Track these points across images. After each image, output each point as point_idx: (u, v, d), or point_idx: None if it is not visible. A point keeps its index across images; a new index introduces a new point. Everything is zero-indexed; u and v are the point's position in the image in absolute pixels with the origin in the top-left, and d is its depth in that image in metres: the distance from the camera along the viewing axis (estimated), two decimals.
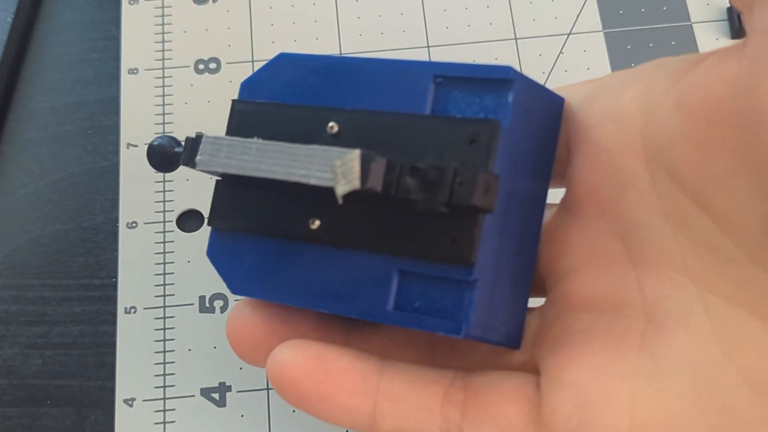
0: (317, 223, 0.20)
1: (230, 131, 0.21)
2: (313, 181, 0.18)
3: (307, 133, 0.20)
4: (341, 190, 0.18)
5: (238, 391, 0.28)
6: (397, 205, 0.19)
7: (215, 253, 0.21)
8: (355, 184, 0.18)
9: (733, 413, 0.17)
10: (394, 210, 0.19)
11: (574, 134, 0.20)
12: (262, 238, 0.21)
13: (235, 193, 0.21)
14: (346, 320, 0.21)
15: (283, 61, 0.21)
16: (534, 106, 0.19)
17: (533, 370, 0.20)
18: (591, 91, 0.20)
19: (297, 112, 0.20)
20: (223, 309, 0.29)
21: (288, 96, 0.21)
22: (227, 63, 0.32)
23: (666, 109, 0.18)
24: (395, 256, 0.19)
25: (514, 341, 0.20)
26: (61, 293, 0.29)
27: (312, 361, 0.19)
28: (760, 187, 0.16)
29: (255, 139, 0.19)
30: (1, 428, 0.27)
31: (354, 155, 0.18)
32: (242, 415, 0.27)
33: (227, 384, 0.28)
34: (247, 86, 0.22)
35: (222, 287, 0.29)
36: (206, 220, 0.21)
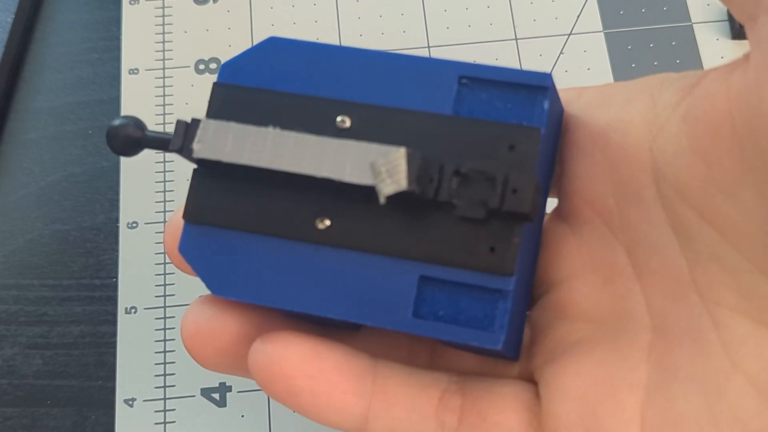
0: (327, 222, 0.18)
1: (211, 117, 0.19)
2: (348, 180, 0.17)
3: (310, 125, 0.18)
4: (387, 190, 0.17)
5: (238, 391, 0.28)
6: (425, 205, 0.18)
7: (190, 249, 0.19)
8: (402, 184, 0.17)
9: (744, 421, 0.17)
10: (421, 210, 0.18)
11: (574, 143, 0.19)
12: (253, 235, 0.19)
13: (221, 184, 0.19)
14: (320, 325, 0.20)
15: (274, 45, 0.19)
16: (554, 112, 0.19)
17: (528, 379, 0.20)
18: (591, 100, 0.20)
19: (296, 101, 0.19)
20: None
21: (280, 83, 0.19)
22: None
23: (674, 122, 0.18)
24: (417, 260, 0.18)
25: (516, 354, 0.19)
26: (62, 293, 0.29)
27: (306, 357, 0.18)
28: (766, 196, 0.16)
29: (271, 128, 0.18)
30: (1, 428, 0.27)
31: (400, 153, 0.17)
32: (242, 415, 0.27)
33: (227, 384, 0.28)
34: (229, 68, 0.19)
35: None
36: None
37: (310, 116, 0.19)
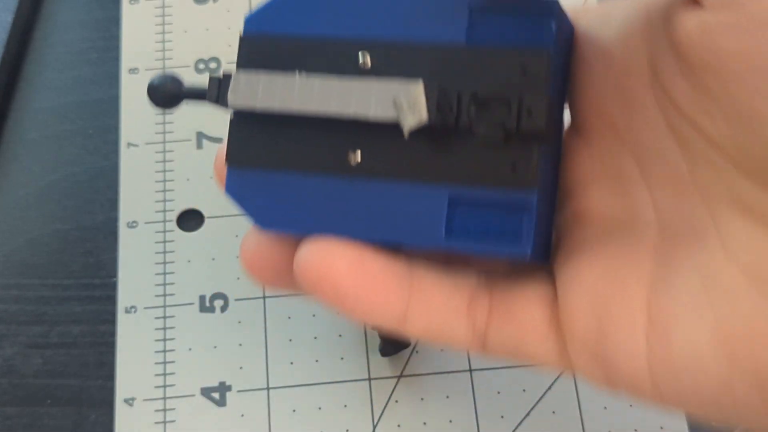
0: (358, 157, 0.19)
1: (241, 68, 0.20)
2: (372, 117, 0.18)
3: (334, 66, 0.19)
4: (410, 124, 0.18)
5: (238, 391, 0.28)
6: (447, 133, 0.19)
7: (237, 190, 0.20)
8: (423, 117, 0.18)
9: (736, 304, 0.18)
10: (443, 138, 0.19)
11: (581, 58, 0.20)
12: (291, 173, 0.20)
13: (258, 130, 0.20)
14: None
15: None
16: (563, 33, 0.20)
17: (549, 277, 0.21)
18: (594, 18, 0.20)
19: (319, 44, 0.20)
20: (224, 309, 0.29)
21: (302, 28, 0.20)
22: (228, 62, 0.32)
23: (662, 40, 0.19)
24: (445, 183, 0.19)
25: (546, 257, 0.21)
26: (62, 293, 0.29)
27: (352, 261, 0.19)
28: (733, 122, 0.17)
29: (297, 74, 0.19)
30: (1, 428, 0.27)
31: (419, 88, 0.18)
32: (242, 415, 0.27)
33: (227, 384, 0.28)
34: (252, 21, 0.21)
35: (222, 287, 0.29)
36: (227, 168, 0.20)
37: (333, 58, 0.20)
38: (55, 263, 0.30)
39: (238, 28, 0.32)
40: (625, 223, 0.20)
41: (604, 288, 0.19)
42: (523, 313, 0.20)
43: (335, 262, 0.19)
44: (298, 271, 0.20)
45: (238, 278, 0.29)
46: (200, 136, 0.31)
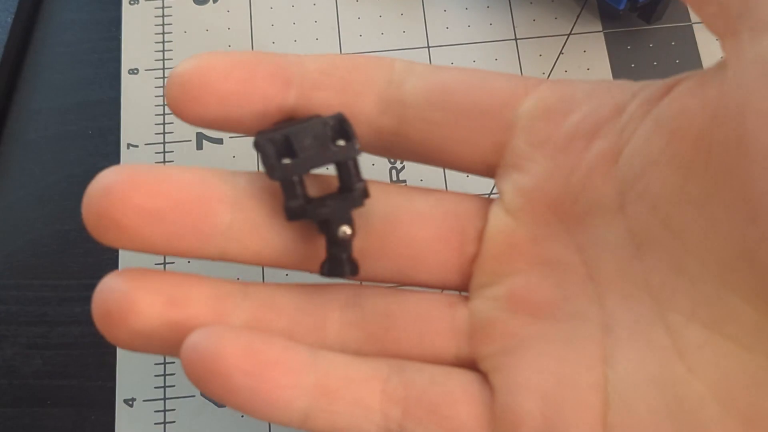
0: None
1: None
2: None
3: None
4: None
5: None
6: None
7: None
8: None
9: (704, 428, 0.17)
10: None
11: (531, 143, 0.19)
12: None
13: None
14: (243, 285, 0.20)
15: None
16: None
17: (470, 366, 0.20)
18: (548, 102, 0.19)
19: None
20: None
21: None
22: None
23: (642, 134, 0.18)
24: None
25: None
26: (62, 293, 0.29)
27: (242, 353, 0.17)
28: (740, 213, 0.16)
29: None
30: (1, 428, 0.27)
31: None
32: (242, 415, 0.27)
33: None
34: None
35: None
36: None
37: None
38: (55, 264, 0.30)
39: (238, 28, 0.32)
40: (567, 319, 0.19)
41: (556, 391, 0.18)
42: (447, 410, 0.18)
43: (222, 351, 0.17)
44: (183, 363, 0.18)
45: (238, 278, 0.29)
46: (200, 136, 0.31)
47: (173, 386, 0.28)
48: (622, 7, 0.30)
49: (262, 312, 0.20)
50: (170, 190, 0.19)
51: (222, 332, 0.18)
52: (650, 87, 0.18)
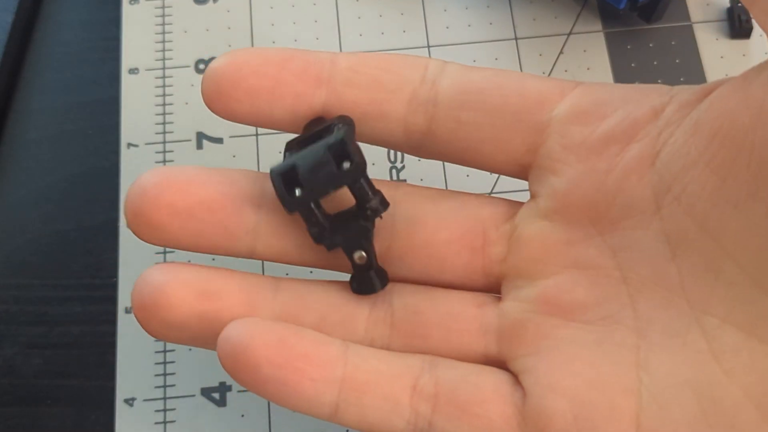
0: None
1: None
2: None
3: None
4: None
5: (238, 391, 0.28)
6: None
7: None
8: None
9: None
10: None
11: (567, 147, 0.19)
12: None
13: None
14: (273, 282, 0.21)
15: None
16: None
17: (500, 365, 0.20)
18: (583, 106, 0.19)
19: None
20: None
21: None
22: None
23: (680, 136, 0.18)
24: None
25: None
26: (62, 293, 0.29)
27: (273, 345, 0.18)
28: None
29: None
30: (1, 428, 0.27)
31: None
32: (242, 415, 0.27)
33: (227, 384, 0.28)
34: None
35: None
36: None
37: None
38: (55, 263, 0.30)
39: (239, 27, 0.32)
40: (600, 323, 0.19)
41: (589, 397, 0.18)
42: (477, 408, 0.18)
43: (254, 345, 0.18)
44: (219, 354, 0.19)
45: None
46: (200, 136, 0.31)
47: (173, 386, 0.28)
48: (622, 6, 0.30)
49: (293, 307, 0.20)
50: (199, 190, 0.20)
51: (255, 324, 0.18)
52: (688, 91, 0.18)
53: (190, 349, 0.28)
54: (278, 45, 0.32)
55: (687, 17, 0.32)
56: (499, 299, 0.21)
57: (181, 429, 0.27)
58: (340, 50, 0.32)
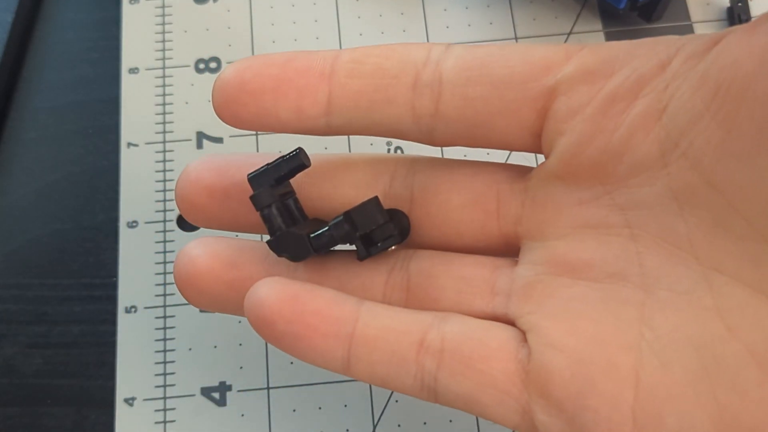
0: None
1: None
2: None
3: None
4: None
5: (238, 391, 0.28)
6: None
7: None
8: None
9: (742, 391, 0.16)
10: None
11: (572, 108, 0.19)
12: None
13: None
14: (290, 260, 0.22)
15: None
16: None
17: (508, 323, 0.20)
18: (588, 65, 0.19)
19: None
20: None
21: None
22: (228, 62, 0.32)
23: (687, 89, 0.17)
24: None
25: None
26: (62, 293, 0.29)
27: (286, 302, 0.19)
28: None
29: None
30: (1, 427, 0.27)
31: None
32: (242, 415, 0.27)
33: (227, 383, 0.28)
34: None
35: None
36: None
37: None
38: (55, 263, 0.30)
39: (239, 27, 0.32)
40: (608, 280, 0.19)
41: (588, 352, 0.18)
42: (481, 364, 0.19)
43: (269, 300, 0.19)
44: (245, 309, 0.20)
45: None
46: (200, 136, 0.31)
47: (173, 386, 0.28)
48: (622, 6, 0.30)
49: (313, 275, 0.21)
50: (235, 172, 0.21)
51: (276, 283, 0.20)
52: (695, 41, 0.18)
53: (190, 349, 0.28)
54: (278, 45, 0.32)
55: (687, 17, 0.32)
56: (516, 263, 0.21)
57: (181, 429, 0.27)
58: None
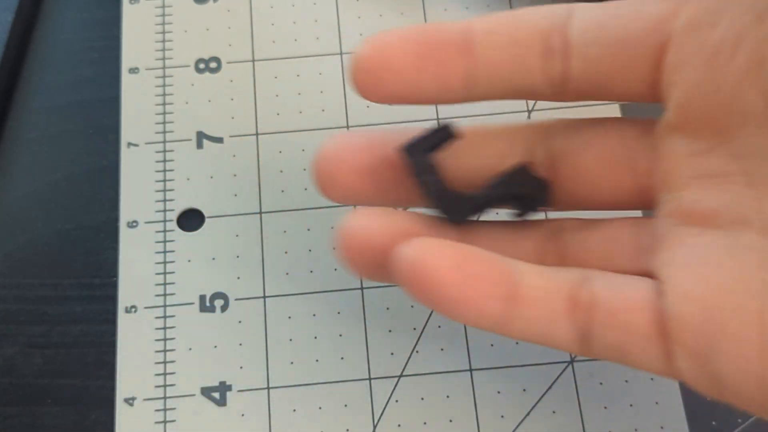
0: None
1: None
2: None
3: None
4: None
5: (238, 391, 0.28)
6: None
7: None
8: None
9: None
10: None
11: (683, 60, 0.20)
12: None
13: None
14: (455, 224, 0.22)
15: None
16: None
17: (649, 276, 0.21)
18: (696, 18, 0.20)
19: None
20: (224, 308, 0.29)
21: None
22: (228, 62, 0.32)
23: None
24: None
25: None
26: (62, 292, 0.29)
27: (454, 267, 0.20)
28: None
29: None
30: (2, 427, 0.27)
31: None
32: (243, 415, 0.27)
33: (227, 383, 0.28)
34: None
35: (222, 287, 0.29)
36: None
37: None
38: (55, 263, 0.30)
39: (239, 27, 0.32)
40: (729, 227, 0.19)
41: (715, 299, 0.19)
42: (626, 317, 0.20)
43: (437, 261, 0.20)
44: (398, 267, 0.20)
45: (239, 278, 0.29)
46: (200, 135, 0.31)
47: (173, 385, 0.28)
48: None
49: (465, 237, 0.22)
50: (378, 151, 0.22)
51: (431, 243, 0.20)
52: None
53: (190, 349, 0.28)
54: (278, 45, 0.32)
55: None
56: (653, 218, 0.22)
57: (181, 429, 0.27)
58: (340, 50, 0.32)
